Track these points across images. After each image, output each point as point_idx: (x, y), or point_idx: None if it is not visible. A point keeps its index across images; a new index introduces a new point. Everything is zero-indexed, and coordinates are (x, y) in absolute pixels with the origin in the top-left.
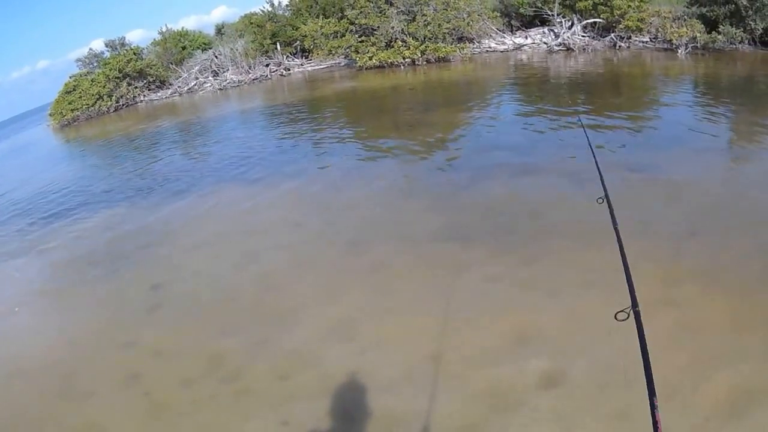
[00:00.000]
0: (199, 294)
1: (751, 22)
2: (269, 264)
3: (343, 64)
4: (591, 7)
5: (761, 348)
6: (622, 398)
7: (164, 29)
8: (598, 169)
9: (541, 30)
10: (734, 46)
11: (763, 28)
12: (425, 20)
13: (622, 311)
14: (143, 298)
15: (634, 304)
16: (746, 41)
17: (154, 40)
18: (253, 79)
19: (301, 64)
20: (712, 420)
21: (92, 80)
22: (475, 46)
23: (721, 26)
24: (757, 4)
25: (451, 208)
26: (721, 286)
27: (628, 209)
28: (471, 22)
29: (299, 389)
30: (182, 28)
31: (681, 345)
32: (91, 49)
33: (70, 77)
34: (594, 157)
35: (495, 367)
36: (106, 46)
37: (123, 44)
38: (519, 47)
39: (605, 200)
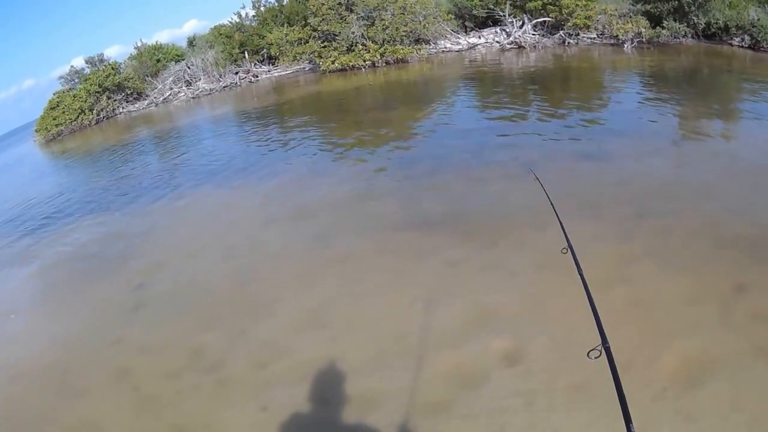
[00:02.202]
0: (179, 291)
1: (693, 17)
2: (244, 260)
3: (307, 68)
4: (540, 7)
5: (713, 320)
6: (580, 371)
7: (140, 44)
8: (559, 220)
9: (493, 30)
10: (678, 40)
11: (705, 23)
12: (384, 24)
13: (594, 349)
14: (128, 298)
15: (604, 341)
16: (689, 35)
17: (131, 54)
18: (224, 87)
19: (269, 71)
20: (670, 390)
21: (74, 96)
22: (431, 46)
23: (665, 21)
24: (700, 0)
25: (412, 199)
26: (672, 264)
27: (579, 194)
28: (427, 25)
29: (276, 376)
30: (156, 42)
31: (636, 320)
32: (72, 66)
33: (54, 94)
34: (553, 208)
35: (459, 347)
36: (87, 62)
37: (102, 60)
38: (473, 47)
39: (569, 250)
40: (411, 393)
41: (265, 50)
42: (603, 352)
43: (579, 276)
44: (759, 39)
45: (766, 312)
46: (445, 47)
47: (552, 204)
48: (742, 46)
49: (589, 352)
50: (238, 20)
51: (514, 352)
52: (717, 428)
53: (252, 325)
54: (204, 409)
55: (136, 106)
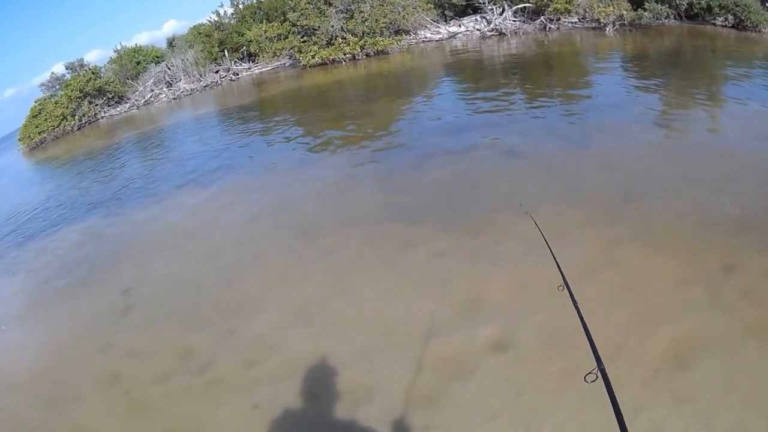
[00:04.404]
0: (166, 293)
1: None
2: (230, 259)
3: (288, 64)
4: None
5: (702, 301)
6: (569, 357)
7: (119, 47)
8: (555, 258)
9: (473, 18)
10: (660, 22)
11: (687, 3)
12: (363, 17)
13: (590, 373)
14: (116, 303)
15: (599, 363)
16: (672, 16)
17: (111, 58)
18: (205, 86)
19: (249, 68)
20: (661, 372)
21: (56, 102)
22: (411, 37)
23: (646, 3)
24: None
25: (396, 191)
26: (659, 246)
27: (564, 179)
28: (406, 15)
29: (266, 374)
30: (136, 44)
31: (624, 303)
32: (53, 73)
33: (36, 101)
34: (549, 248)
35: (447, 337)
36: (67, 68)
37: (82, 65)
38: (453, 35)
39: (565, 287)
40: (401, 385)
41: (244, 48)
42: (599, 375)
43: (575, 309)
44: (743, 18)
45: (755, 291)
46: (426, 37)
47: (547, 243)
48: (725, 26)
49: (585, 376)
50: (216, 19)
51: (503, 340)
52: (711, 408)
53: (240, 324)
54: (195, 411)
55: (118, 109)
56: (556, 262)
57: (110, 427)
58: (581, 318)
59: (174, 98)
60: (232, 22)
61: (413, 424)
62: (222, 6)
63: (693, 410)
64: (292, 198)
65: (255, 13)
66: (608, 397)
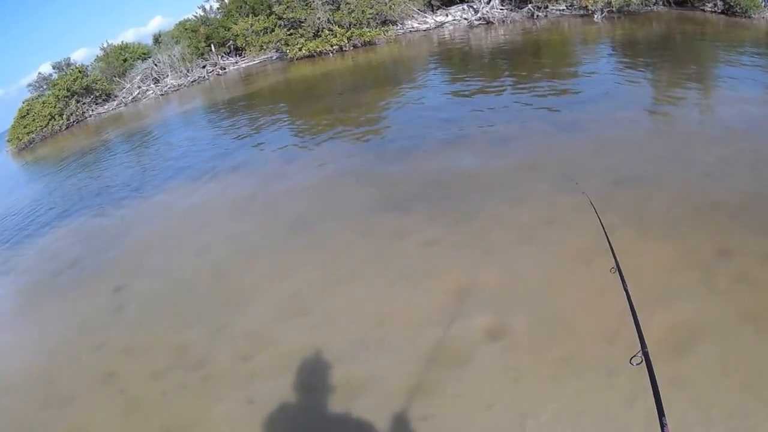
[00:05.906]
0: (158, 290)
1: None
2: (221, 253)
3: (275, 57)
4: None
5: (697, 286)
6: (564, 343)
7: (106, 45)
8: (609, 242)
9: (460, 7)
10: (649, 8)
11: None
12: (349, 8)
13: (635, 356)
14: (108, 301)
15: (643, 345)
16: (660, 2)
17: (97, 56)
18: (192, 82)
19: (236, 62)
20: (659, 358)
21: (43, 102)
22: (398, 27)
23: None
24: None
25: (385, 181)
26: (653, 231)
27: (555, 165)
28: (393, 6)
29: (261, 368)
30: (122, 41)
31: (618, 289)
32: (40, 73)
33: (23, 102)
34: (603, 230)
35: (441, 326)
36: (54, 68)
37: (69, 64)
38: (441, 25)
39: (617, 270)
40: (397, 376)
41: (231, 42)
42: (643, 357)
43: (625, 292)
44: (732, 4)
45: (750, 276)
46: (413, 27)
47: (603, 226)
48: (714, 12)
49: (631, 359)
50: (202, 14)
51: (498, 328)
52: (708, 394)
53: (233, 319)
54: (191, 407)
55: (106, 107)
56: (610, 245)
57: (106, 426)
58: (630, 301)
59: (161, 94)
60: (218, 16)
61: (410, 415)
62: (207, 1)
63: (691, 396)
64: (282, 191)
65: (241, 7)
66: (649, 380)
